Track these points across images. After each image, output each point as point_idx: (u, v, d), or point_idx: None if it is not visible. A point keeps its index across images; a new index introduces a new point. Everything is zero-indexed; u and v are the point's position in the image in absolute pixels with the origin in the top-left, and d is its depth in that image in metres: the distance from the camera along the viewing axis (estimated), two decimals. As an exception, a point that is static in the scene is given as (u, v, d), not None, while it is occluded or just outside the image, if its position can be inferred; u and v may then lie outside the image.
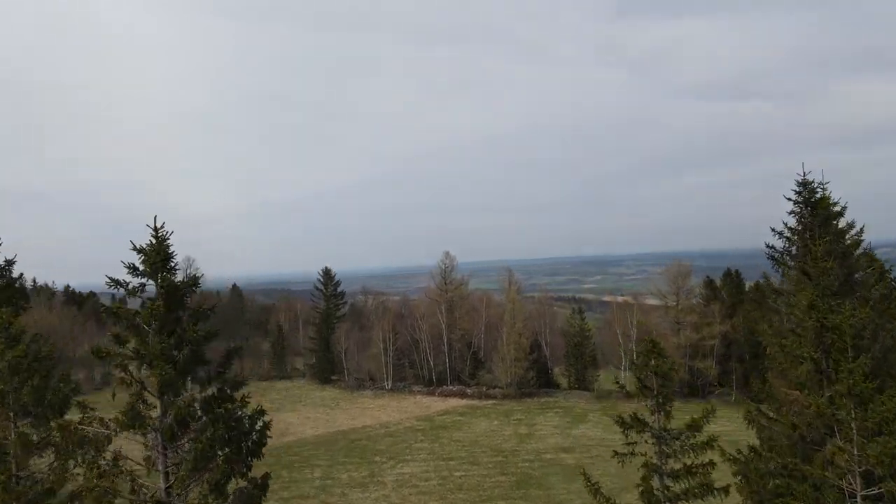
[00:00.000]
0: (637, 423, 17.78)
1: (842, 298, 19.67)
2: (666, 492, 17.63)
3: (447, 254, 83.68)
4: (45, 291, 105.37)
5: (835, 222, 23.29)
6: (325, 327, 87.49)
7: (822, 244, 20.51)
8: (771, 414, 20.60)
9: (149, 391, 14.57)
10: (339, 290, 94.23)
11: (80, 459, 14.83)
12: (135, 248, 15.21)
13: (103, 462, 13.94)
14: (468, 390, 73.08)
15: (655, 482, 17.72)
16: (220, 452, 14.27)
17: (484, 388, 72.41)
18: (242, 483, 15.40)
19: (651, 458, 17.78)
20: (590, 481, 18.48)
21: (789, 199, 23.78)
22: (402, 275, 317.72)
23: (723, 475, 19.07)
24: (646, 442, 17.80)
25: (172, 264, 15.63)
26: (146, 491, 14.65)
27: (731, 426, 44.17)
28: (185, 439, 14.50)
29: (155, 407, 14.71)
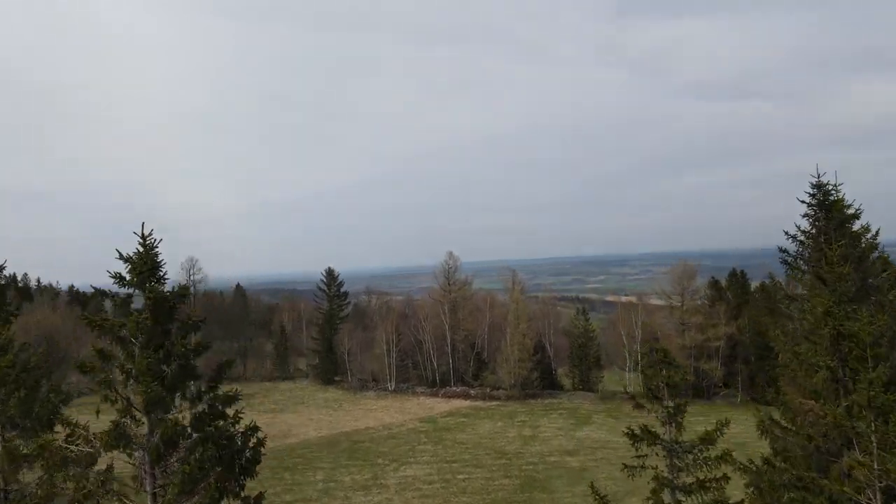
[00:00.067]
0: (648, 436, 17.07)
1: (858, 304, 19.01)
2: (677, 507, 16.96)
3: (451, 254, 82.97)
4: (48, 291, 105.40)
5: (849, 225, 22.55)
6: (328, 328, 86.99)
7: (838, 248, 19.82)
8: (784, 423, 19.95)
9: (136, 408, 13.88)
10: (342, 290, 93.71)
11: (69, 474, 14.22)
12: (121, 257, 14.49)
13: (88, 482, 13.31)
14: (472, 391, 72.43)
15: (666, 496, 17.04)
16: (211, 473, 13.58)
17: (488, 390, 71.71)
18: (236, 503, 14.72)
19: (662, 471, 17.10)
20: (599, 494, 17.84)
21: (803, 202, 22.99)
22: (403, 275, 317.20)
23: (734, 486, 18.41)
24: (656, 455, 17.12)
25: (161, 273, 14.93)
26: (134, 512, 14.02)
27: (737, 428, 43.29)
28: (174, 459, 13.83)
29: (143, 423, 14.03)
